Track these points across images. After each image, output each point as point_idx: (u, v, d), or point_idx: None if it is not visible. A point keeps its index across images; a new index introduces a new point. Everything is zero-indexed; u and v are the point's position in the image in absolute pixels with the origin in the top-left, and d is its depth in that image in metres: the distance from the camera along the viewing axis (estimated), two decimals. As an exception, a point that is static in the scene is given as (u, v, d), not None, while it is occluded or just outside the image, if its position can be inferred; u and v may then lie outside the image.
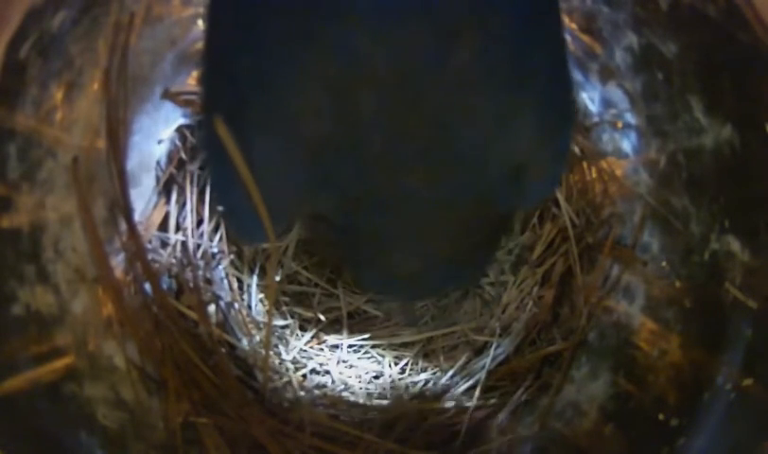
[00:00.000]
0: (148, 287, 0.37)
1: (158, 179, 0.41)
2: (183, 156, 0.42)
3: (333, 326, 0.46)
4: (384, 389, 0.44)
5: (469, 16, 0.23)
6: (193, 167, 0.42)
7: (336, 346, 0.46)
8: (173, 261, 0.41)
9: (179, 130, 0.42)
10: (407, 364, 0.45)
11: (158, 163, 0.41)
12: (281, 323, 0.45)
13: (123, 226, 0.36)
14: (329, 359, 0.45)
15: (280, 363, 0.44)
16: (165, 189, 0.41)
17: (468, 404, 0.40)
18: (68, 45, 0.30)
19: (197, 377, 0.37)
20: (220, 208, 0.43)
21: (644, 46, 0.35)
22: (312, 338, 0.45)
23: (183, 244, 0.41)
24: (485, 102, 0.25)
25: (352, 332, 0.46)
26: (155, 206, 0.40)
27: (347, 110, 0.25)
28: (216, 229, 0.44)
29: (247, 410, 0.37)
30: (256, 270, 0.45)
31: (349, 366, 0.45)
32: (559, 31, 0.29)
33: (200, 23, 0.38)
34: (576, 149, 0.43)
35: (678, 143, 0.35)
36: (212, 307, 0.42)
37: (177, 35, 0.38)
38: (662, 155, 0.37)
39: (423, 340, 0.46)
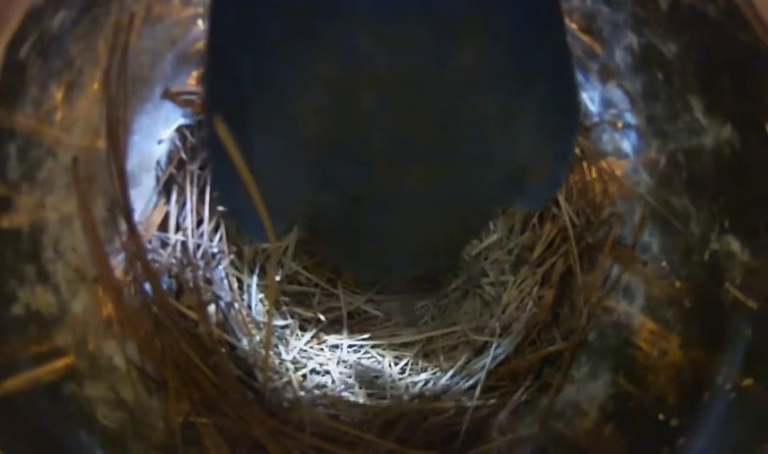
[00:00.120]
0: (148, 287, 0.37)
1: (158, 179, 0.41)
2: (183, 156, 0.42)
3: (333, 326, 0.46)
4: (384, 389, 0.44)
5: (471, 16, 0.23)
6: (193, 167, 0.42)
7: (336, 346, 0.46)
8: (173, 261, 0.41)
9: (179, 130, 0.42)
10: (407, 364, 0.45)
11: (158, 163, 0.41)
12: (281, 322, 0.45)
13: (123, 226, 0.36)
14: (329, 359, 0.45)
15: (280, 363, 0.44)
16: (165, 189, 0.41)
17: (468, 404, 0.40)
18: (68, 45, 0.30)
19: (197, 377, 0.37)
20: (222, 208, 0.43)
21: (644, 46, 0.35)
22: (312, 338, 0.45)
23: (183, 244, 0.41)
24: (487, 103, 0.25)
25: (352, 332, 0.46)
26: (155, 206, 0.40)
27: (348, 109, 0.25)
28: (216, 229, 0.44)
29: (247, 410, 0.37)
30: (256, 270, 0.45)
31: (349, 366, 0.45)
32: (562, 31, 0.29)
33: (201, 23, 0.38)
34: (576, 149, 0.43)
35: (678, 143, 0.35)
36: (212, 307, 0.42)
37: (177, 35, 0.38)
38: (662, 155, 0.37)
39: (423, 340, 0.46)
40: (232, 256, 0.45)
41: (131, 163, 0.37)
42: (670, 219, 0.37)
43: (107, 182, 0.35)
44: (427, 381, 0.44)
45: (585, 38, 0.38)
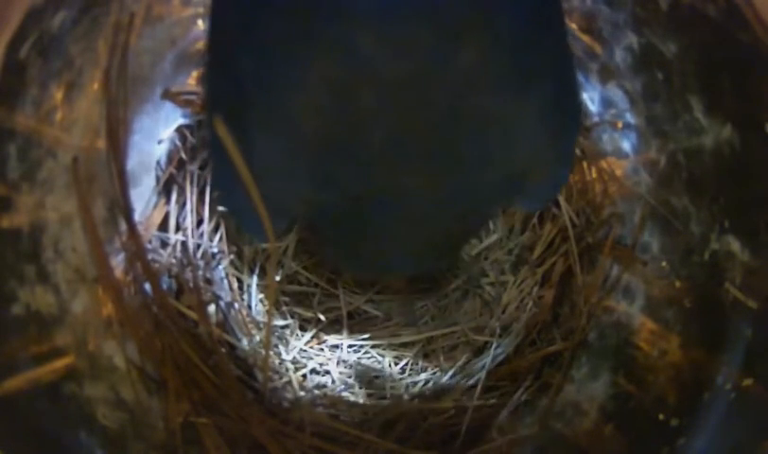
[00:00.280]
0: (148, 287, 0.37)
1: (158, 179, 0.41)
2: (183, 156, 0.42)
3: (333, 326, 0.46)
4: (384, 389, 0.44)
5: (472, 16, 0.23)
6: (193, 167, 0.42)
7: (336, 346, 0.46)
8: (173, 261, 0.41)
9: (179, 130, 0.42)
10: (407, 364, 0.45)
11: (158, 163, 0.41)
12: (281, 322, 0.45)
13: (123, 226, 0.36)
14: (329, 359, 0.45)
15: (280, 363, 0.44)
16: (165, 189, 0.41)
17: (468, 404, 0.40)
18: (68, 45, 0.30)
19: (197, 377, 0.37)
20: (222, 208, 0.43)
21: (644, 46, 0.35)
22: (312, 338, 0.45)
23: (183, 244, 0.41)
24: (488, 104, 0.25)
25: (352, 332, 0.46)
26: (155, 206, 0.40)
27: (348, 109, 0.25)
28: (216, 229, 0.44)
29: (247, 410, 0.37)
30: (256, 270, 0.45)
31: (349, 366, 0.45)
32: (563, 32, 0.28)
33: (201, 23, 0.38)
34: (576, 150, 0.43)
35: (678, 143, 0.35)
36: (212, 307, 0.42)
37: (177, 35, 0.38)
38: (662, 155, 0.37)
39: (423, 340, 0.46)
40: (232, 256, 0.45)
41: (131, 163, 0.37)
42: (670, 219, 0.37)
43: (107, 182, 0.35)
44: (427, 381, 0.44)
45: (585, 38, 0.38)
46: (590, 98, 0.41)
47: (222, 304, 0.43)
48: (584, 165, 0.43)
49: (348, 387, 0.44)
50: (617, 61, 0.37)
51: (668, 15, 0.32)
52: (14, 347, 0.29)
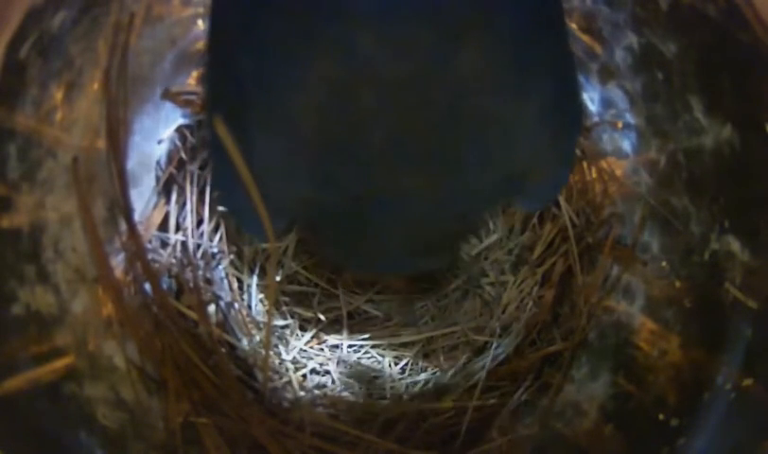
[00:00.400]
0: (148, 287, 0.37)
1: (158, 179, 0.41)
2: (183, 156, 0.42)
3: (333, 326, 0.46)
4: (384, 389, 0.44)
5: (474, 16, 0.23)
6: (193, 167, 0.42)
7: (336, 346, 0.46)
8: (173, 261, 0.41)
9: (179, 130, 0.42)
10: (407, 364, 0.45)
11: (158, 163, 0.41)
12: (281, 322, 0.45)
13: (123, 226, 0.36)
14: (329, 359, 0.45)
15: (280, 363, 0.44)
16: (165, 189, 0.41)
17: (468, 404, 0.40)
18: (68, 45, 0.30)
19: (197, 377, 0.37)
20: (222, 208, 0.43)
21: (644, 46, 0.35)
22: (312, 338, 0.45)
23: (183, 244, 0.41)
24: (489, 104, 0.25)
25: (352, 332, 0.46)
26: (155, 206, 0.40)
27: (348, 109, 0.25)
28: (216, 229, 0.44)
29: (247, 410, 0.37)
30: (256, 270, 0.45)
31: (349, 366, 0.45)
32: (564, 33, 0.28)
33: (201, 23, 0.38)
34: (576, 150, 0.43)
35: (678, 143, 0.35)
36: (212, 307, 0.42)
37: (177, 35, 0.38)
38: (662, 155, 0.37)
39: (423, 340, 0.46)
40: (232, 256, 0.45)
41: (131, 163, 0.37)
42: (670, 219, 0.37)
43: (107, 182, 0.35)
44: (427, 381, 0.44)
45: (585, 38, 0.38)
46: (590, 98, 0.41)
47: (222, 304, 0.43)
48: (584, 165, 0.43)
49: (348, 387, 0.44)
50: (617, 61, 0.37)
51: (668, 15, 0.32)
52: (14, 347, 0.29)
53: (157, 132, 0.41)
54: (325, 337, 0.46)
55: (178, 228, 0.42)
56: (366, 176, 0.27)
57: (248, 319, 0.44)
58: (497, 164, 0.27)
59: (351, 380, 0.44)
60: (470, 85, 0.24)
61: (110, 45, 0.33)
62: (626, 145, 0.40)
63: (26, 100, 0.29)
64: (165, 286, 0.40)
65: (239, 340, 0.43)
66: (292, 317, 0.46)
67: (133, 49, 0.35)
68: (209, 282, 0.42)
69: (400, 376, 0.45)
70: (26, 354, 0.29)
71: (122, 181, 0.36)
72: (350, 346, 0.46)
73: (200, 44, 0.39)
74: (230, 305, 0.43)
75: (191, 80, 0.41)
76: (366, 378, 0.44)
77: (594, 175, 0.43)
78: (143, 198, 0.40)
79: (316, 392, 0.43)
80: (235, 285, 0.44)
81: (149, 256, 0.38)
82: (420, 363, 0.45)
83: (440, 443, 0.40)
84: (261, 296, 0.45)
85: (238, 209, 0.29)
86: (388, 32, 0.23)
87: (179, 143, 0.42)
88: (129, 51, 0.34)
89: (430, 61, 0.23)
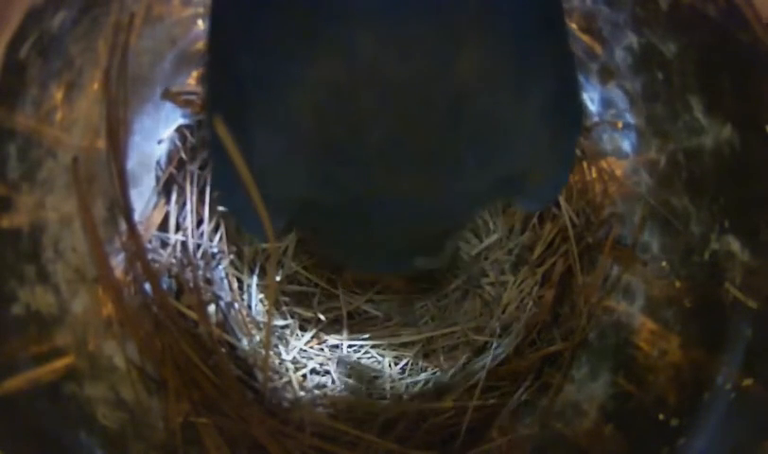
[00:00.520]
0: (148, 287, 0.37)
1: (158, 179, 0.41)
2: (183, 156, 0.42)
3: (333, 326, 0.46)
4: (384, 389, 0.44)
5: (475, 17, 0.23)
6: (193, 167, 0.42)
7: (336, 346, 0.46)
8: (173, 261, 0.41)
9: (179, 130, 0.42)
10: (407, 364, 0.45)
11: (158, 163, 0.41)
12: (281, 322, 0.45)
13: (123, 226, 0.36)
14: (329, 359, 0.45)
15: (280, 363, 0.44)
16: (165, 189, 0.41)
17: (468, 404, 0.40)
18: (68, 45, 0.30)
19: (197, 377, 0.37)
20: (223, 208, 0.43)
21: (644, 46, 0.35)
22: (312, 338, 0.45)
23: (183, 244, 0.41)
24: (490, 104, 0.25)
25: (352, 332, 0.46)
26: (155, 206, 0.40)
27: (348, 110, 0.25)
28: (216, 229, 0.44)
29: (247, 410, 0.37)
30: (256, 270, 0.45)
31: (349, 366, 0.45)
32: (565, 33, 0.28)
33: (201, 23, 0.38)
34: (576, 150, 0.43)
35: (678, 143, 0.35)
36: (212, 307, 0.42)
37: (177, 35, 0.38)
38: (662, 155, 0.37)
39: (423, 340, 0.46)
40: (232, 256, 0.45)
41: (131, 163, 0.37)
42: (670, 219, 0.37)
43: (107, 182, 0.35)
44: (427, 381, 0.44)
45: (585, 38, 0.38)
46: (590, 98, 0.41)
47: (222, 304, 0.43)
48: (584, 165, 0.43)
49: (348, 387, 0.44)
50: (617, 61, 0.37)
51: (668, 15, 0.32)
52: (14, 347, 0.29)
53: (157, 132, 0.41)
54: (325, 337, 0.46)
55: (178, 228, 0.42)
56: (365, 176, 0.27)
57: (248, 319, 0.44)
58: (496, 164, 0.27)
59: (351, 380, 0.44)
60: (471, 85, 0.24)
61: (110, 45, 0.33)
62: (626, 145, 0.40)
63: (26, 100, 0.29)
64: (165, 286, 0.40)
65: (239, 340, 0.43)
66: (292, 317, 0.46)
67: (133, 49, 0.35)
68: (209, 282, 0.42)
69: (400, 376, 0.45)
70: (26, 354, 0.29)
71: (122, 181, 0.36)
72: (350, 346, 0.46)
73: (200, 44, 0.39)
74: (230, 305, 0.43)
75: (191, 80, 0.41)
76: (366, 378, 0.44)
77: (594, 175, 0.43)
78: (143, 198, 0.40)
79: (316, 392, 0.43)
80: (235, 285, 0.44)
81: (149, 256, 0.38)
82: (420, 363, 0.45)
83: (440, 443, 0.40)
84: (261, 296, 0.45)
85: (238, 209, 0.29)
86: (388, 32, 0.23)
87: (179, 143, 0.42)
88: (129, 51, 0.34)
89: (431, 62, 0.23)
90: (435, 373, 0.45)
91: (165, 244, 0.41)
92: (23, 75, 0.28)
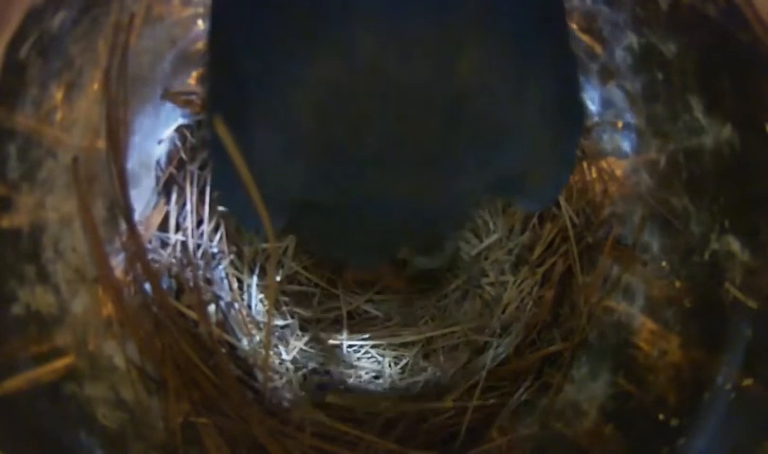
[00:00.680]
0: (148, 287, 0.37)
1: (158, 179, 0.41)
2: (183, 156, 0.42)
3: (333, 326, 0.46)
4: (384, 389, 0.44)
5: (475, 18, 0.23)
6: (193, 167, 0.42)
7: (336, 346, 0.46)
8: (173, 261, 0.41)
9: (179, 130, 0.42)
10: (407, 364, 0.45)
11: (158, 163, 0.41)
12: (281, 322, 0.45)
13: (123, 226, 0.36)
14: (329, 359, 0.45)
15: (280, 363, 0.44)
16: (165, 189, 0.41)
17: (468, 404, 0.40)
18: (68, 45, 0.30)
19: (197, 377, 0.37)
20: (223, 209, 0.43)
21: (644, 46, 0.35)
22: (312, 338, 0.45)
23: (183, 244, 0.41)
24: (491, 106, 0.25)
25: (352, 332, 0.46)
26: (155, 206, 0.40)
27: (348, 110, 0.25)
28: (216, 229, 0.44)
29: (247, 410, 0.37)
30: (256, 270, 0.45)
31: (349, 366, 0.45)
32: (566, 35, 0.28)
33: (201, 23, 0.38)
34: (576, 150, 0.43)
35: (678, 143, 0.35)
36: (212, 307, 0.42)
37: (177, 35, 0.38)
38: (662, 155, 0.37)
39: (423, 340, 0.46)
40: (232, 256, 0.45)
41: (131, 163, 0.37)
42: (670, 219, 0.37)
43: (107, 182, 0.35)
44: (427, 381, 0.44)
45: (585, 38, 0.38)
46: (590, 98, 0.41)
47: (222, 304, 0.43)
48: (584, 165, 0.43)
49: (348, 387, 0.44)
50: (617, 61, 0.37)
51: (668, 15, 0.32)
52: (14, 347, 0.29)
53: (157, 132, 0.41)
54: (325, 337, 0.46)
55: (178, 228, 0.42)
56: (365, 176, 0.27)
57: (248, 319, 0.44)
58: (497, 164, 0.27)
59: (351, 380, 0.44)
60: (471, 86, 0.24)
61: (110, 45, 0.33)
62: (626, 145, 0.40)
63: (26, 100, 0.29)
64: (165, 286, 0.40)
65: (239, 340, 0.43)
66: (292, 317, 0.46)
67: (133, 49, 0.35)
68: (209, 282, 0.42)
69: (400, 376, 0.45)
70: (26, 354, 0.29)
71: (122, 181, 0.36)
72: (350, 346, 0.46)
73: (200, 44, 0.39)
74: (230, 305, 0.43)
75: (191, 80, 0.41)
76: (366, 378, 0.44)
77: (594, 175, 0.43)
78: (143, 198, 0.40)
79: (316, 391, 0.43)
80: (235, 285, 0.44)
81: (149, 256, 0.38)
82: (420, 363, 0.45)
83: (440, 443, 0.40)
84: (261, 296, 0.45)
85: (239, 208, 0.29)
86: (388, 32, 0.23)
87: (179, 143, 0.42)
88: (129, 51, 0.34)
89: (431, 62, 0.23)
90: (435, 373, 0.45)
91: (165, 244, 0.41)
92: (23, 75, 0.28)
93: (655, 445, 0.33)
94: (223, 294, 0.43)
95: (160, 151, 0.41)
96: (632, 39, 0.35)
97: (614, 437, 0.37)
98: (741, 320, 0.31)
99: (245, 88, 0.26)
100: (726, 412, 0.31)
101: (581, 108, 0.34)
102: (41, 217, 0.31)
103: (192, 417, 0.36)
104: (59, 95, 0.31)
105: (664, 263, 0.38)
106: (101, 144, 0.35)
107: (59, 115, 0.31)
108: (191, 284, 0.40)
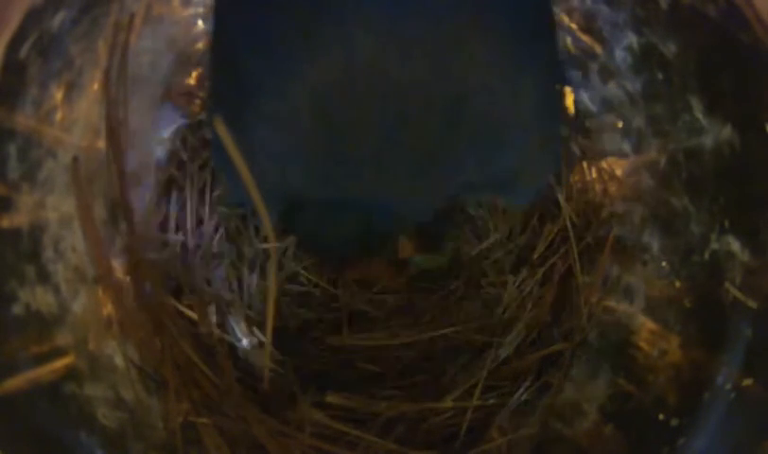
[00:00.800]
0: (148, 287, 0.37)
1: (158, 179, 0.41)
2: (183, 156, 0.42)
3: (333, 326, 0.46)
4: (384, 389, 0.44)
5: (474, 20, 0.23)
6: (193, 167, 0.42)
7: (336, 346, 0.45)
8: (173, 261, 0.41)
9: (179, 130, 0.42)
10: (407, 364, 0.45)
11: (158, 163, 0.41)
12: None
13: (123, 226, 0.36)
14: (329, 360, 0.45)
15: (280, 363, 0.44)
16: (166, 189, 0.41)
17: (468, 404, 0.40)
18: (68, 45, 0.30)
19: (197, 377, 0.37)
20: (223, 209, 0.43)
21: (644, 46, 0.35)
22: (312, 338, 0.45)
23: (183, 244, 0.41)
24: (487, 106, 0.25)
25: (352, 332, 0.46)
26: (155, 206, 0.40)
27: (349, 110, 0.25)
28: (216, 229, 0.44)
29: (247, 410, 0.37)
30: (256, 270, 0.45)
31: (349, 366, 0.45)
32: (555, 40, 0.29)
33: (201, 23, 0.38)
34: (576, 149, 0.43)
35: (678, 143, 0.35)
36: (212, 307, 0.42)
37: (177, 35, 0.38)
38: (662, 155, 0.37)
39: (423, 341, 0.46)
40: (232, 256, 0.44)
41: (131, 163, 0.37)
42: (670, 219, 0.37)
43: (107, 182, 0.35)
44: (427, 381, 0.44)
45: (585, 38, 0.38)
46: (590, 98, 0.41)
47: (222, 304, 0.43)
48: (584, 165, 0.43)
49: (348, 386, 0.43)
50: (617, 60, 0.37)
51: (668, 15, 0.32)
52: (14, 347, 0.29)
53: (157, 132, 0.41)
54: (325, 337, 0.46)
55: (178, 228, 0.42)
56: (364, 176, 0.27)
57: (248, 319, 0.44)
58: (496, 164, 0.28)
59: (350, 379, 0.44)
60: (470, 85, 0.24)
61: (110, 45, 0.33)
62: (626, 145, 0.40)
63: (26, 100, 0.29)
64: (165, 286, 0.40)
65: (239, 340, 0.42)
66: (292, 317, 0.46)
67: (133, 49, 0.35)
68: (209, 282, 0.42)
69: (400, 377, 0.45)
70: (26, 354, 0.29)
71: (122, 181, 0.36)
72: (350, 346, 0.45)
73: (201, 44, 0.39)
74: (230, 304, 0.43)
75: (191, 80, 0.41)
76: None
77: (594, 175, 0.43)
78: (143, 198, 0.40)
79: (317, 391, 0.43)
80: (235, 285, 0.44)
81: (149, 256, 0.38)
82: (420, 363, 0.45)
83: (440, 443, 0.40)
84: (261, 296, 0.45)
85: (247, 202, 0.29)
86: (388, 33, 0.23)
87: (179, 143, 0.42)
88: (129, 51, 0.34)
89: (430, 62, 0.24)
90: (435, 373, 0.45)
91: (165, 244, 0.41)
92: (23, 75, 0.28)
93: (655, 445, 0.33)
94: (223, 294, 0.43)
95: (160, 151, 0.41)
96: (632, 39, 0.35)
97: (614, 437, 0.37)
98: (741, 320, 0.31)
99: (246, 88, 0.26)
100: (726, 412, 0.31)
101: (564, 111, 0.34)
102: (41, 217, 0.31)
103: (192, 417, 0.36)
104: (59, 95, 0.31)
105: (664, 263, 0.37)
106: (101, 144, 0.35)
107: (59, 115, 0.31)
108: (191, 284, 0.40)
